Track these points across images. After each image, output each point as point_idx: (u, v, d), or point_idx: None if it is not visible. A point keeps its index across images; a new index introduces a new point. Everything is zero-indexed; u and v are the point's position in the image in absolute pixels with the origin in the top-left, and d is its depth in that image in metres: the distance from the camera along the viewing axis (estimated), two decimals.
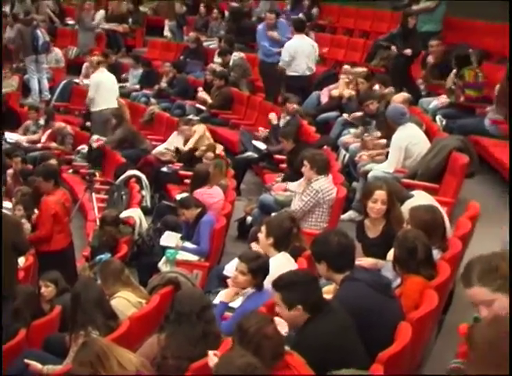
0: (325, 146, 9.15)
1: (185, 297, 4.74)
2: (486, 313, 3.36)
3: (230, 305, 5.42)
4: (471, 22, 12.71)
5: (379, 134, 8.91)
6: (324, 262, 4.60)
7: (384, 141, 8.63)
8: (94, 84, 12.35)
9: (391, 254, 5.13)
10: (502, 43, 12.03)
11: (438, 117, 9.69)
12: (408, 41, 11.25)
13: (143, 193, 10.02)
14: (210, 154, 9.39)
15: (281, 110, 10.68)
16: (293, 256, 5.71)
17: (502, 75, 9.37)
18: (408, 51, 11.02)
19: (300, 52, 11.47)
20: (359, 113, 9.57)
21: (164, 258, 7.34)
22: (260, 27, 12.45)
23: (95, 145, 11.62)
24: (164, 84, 13.89)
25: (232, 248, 8.25)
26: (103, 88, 12.25)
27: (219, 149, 10.03)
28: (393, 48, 11.27)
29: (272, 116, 10.62)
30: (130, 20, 17.58)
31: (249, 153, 10.38)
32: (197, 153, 10.07)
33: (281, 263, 5.59)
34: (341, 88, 10.90)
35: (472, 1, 12.53)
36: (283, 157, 9.53)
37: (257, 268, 5.29)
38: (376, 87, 10.16)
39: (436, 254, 5.12)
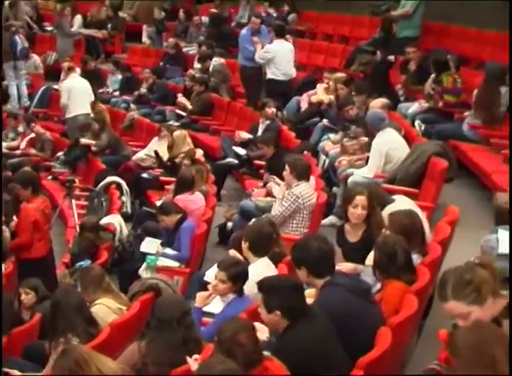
0: (305, 152, 9.17)
1: (166, 303, 4.73)
2: (464, 324, 3.39)
3: (211, 310, 5.41)
4: (448, 27, 12.82)
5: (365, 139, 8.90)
6: (304, 268, 4.61)
7: (365, 139, 8.66)
8: (65, 91, 12.36)
9: (370, 259, 5.15)
10: (479, 48, 12.15)
11: (416, 123, 9.75)
12: (389, 47, 11.31)
13: (123, 199, 9.99)
14: (187, 162, 9.36)
15: (260, 115, 10.70)
16: (273, 262, 5.72)
17: (480, 80, 9.45)
18: (391, 57, 11.08)
19: (280, 57, 11.50)
20: None
21: (144, 265, 7.32)
22: (244, 31, 12.45)
23: (83, 141, 11.54)
24: (143, 90, 13.88)
25: (212, 254, 8.25)
26: (75, 94, 12.25)
27: (199, 154, 10.02)
28: (378, 53, 11.29)
29: (242, 134, 10.58)
30: (109, 26, 17.54)
31: (229, 159, 10.38)
32: (177, 160, 10.06)
33: (261, 269, 5.60)
34: (320, 94, 10.93)
35: (449, 7, 12.64)
36: (264, 162, 9.53)
37: (236, 274, 5.30)
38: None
39: (416, 258, 5.15)
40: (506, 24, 11.52)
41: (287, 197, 7.26)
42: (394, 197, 6.42)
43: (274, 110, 10.47)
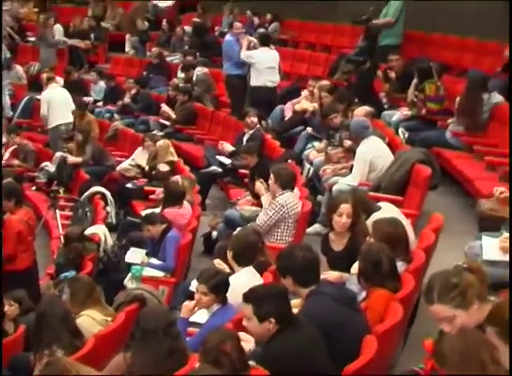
0: (289, 160, 9.18)
1: (151, 314, 4.71)
2: (449, 329, 3.41)
3: (196, 320, 5.40)
4: (430, 35, 12.91)
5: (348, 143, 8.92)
6: (290, 277, 4.61)
7: (348, 142, 8.68)
8: (45, 102, 12.34)
9: (355, 268, 5.16)
10: (460, 56, 12.24)
11: (400, 130, 9.79)
12: (374, 55, 11.35)
13: (108, 209, 9.97)
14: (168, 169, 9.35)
15: (243, 125, 10.71)
16: (258, 271, 5.71)
17: (462, 88, 9.50)
18: (382, 67, 11.07)
19: (264, 65, 11.52)
20: None
21: (129, 275, 7.30)
22: (228, 37, 12.45)
23: (71, 160, 11.49)
24: (127, 99, 13.87)
25: (198, 264, 8.23)
26: (55, 105, 12.23)
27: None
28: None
29: (226, 146, 10.57)
30: (92, 36, 17.53)
31: (213, 168, 10.38)
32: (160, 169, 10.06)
33: (246, 278, 5.60)
34: (304, 102, 10.95)
35: (430, 15, 12.72)
36: (247, 171, 9.53)
37: (217, 285, 5.28)
38: None
39: (400, 266, 5.16)
40: (487, 32, 11.63)
41: (272, 206, 7.27)
42: (381, 204, 6.43)
43: (255, 119, 10.47)
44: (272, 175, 7.39)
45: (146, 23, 17.09)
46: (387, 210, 6.09)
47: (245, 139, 10.42)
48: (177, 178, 9.21)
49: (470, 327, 3.23)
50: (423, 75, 10.06)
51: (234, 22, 12.87)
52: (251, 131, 10.41)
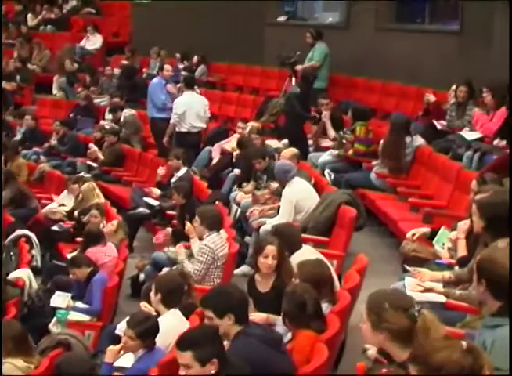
0: (217, 202, 9.21)
1: (73, 361, 4.64)
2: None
3: (122, 365, 5.33)
4: (355, 79, 13.21)
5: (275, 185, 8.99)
6: (231, 315, 4.56)
7: (275, 185, 8.75)
8: None
9: None
10: (384, 100, 12.55)
11: (326, 172, 9.94)
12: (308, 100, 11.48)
13: (33, 252, 9.79)
14: (94, 211, 9.24)
15: (171, 168, 10.72)
16: (185, 313, 5.69)
17: (386, 131, 9.72)
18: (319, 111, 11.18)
19: (189, 109, 11.58)
20: None
21: (54, 319, 7.18)
22: (156, 80, 12.49)
23: None
24: (53, 141, 13.75)
25: (125, 307, 8.13)
26: None
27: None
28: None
29: (154, 191, 10.56)
30: (18, 78, 17.35)
31: (141, 209, 10.33)
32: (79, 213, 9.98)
33: (172, 321, 5.57)
34: (233, 144, 11.02)
35: (354, 61, 13.04)
36: (175, 213, 9.52)
37: (145, 331, 5.21)
38: None
39: (325, 307, 5.21)
40: (411, 76, 11.96)
41: (202, 251, 7.23)
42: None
43: (176, 161, 10.47)
44: (197, 217, 7.39)
45: (75, 64, 17.00)
46: (305, 251, 6.15)
47: (173, 180, 10.42)
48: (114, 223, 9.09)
49: None
50: (359, 116, 10.25)
51: (164, 64, 12.90)
52: (180, 174, 10.42)
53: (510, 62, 8.67)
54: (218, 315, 4.58)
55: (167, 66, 12.57)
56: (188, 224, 7.89)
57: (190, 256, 7.67)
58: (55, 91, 17.07)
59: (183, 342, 4.17)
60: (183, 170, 10.45)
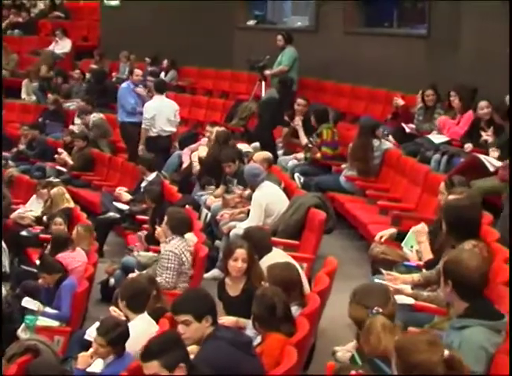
0: (187, 206, 9.20)
1: (41, 367, 4.61)
2: None
3: (93, 370, 5.30)
4: (323, 83, 13.27)
5: (239, 191, 9.03)
6: (210, 318, 4.58)
7: (248, 192, 8.76)
8: None
9: None
10: (353, 103, 12.63)
11: (296, 175, 9.97)
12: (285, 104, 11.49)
13: (1, 258, 9.71)
14: (58, 219, 9.18)
15: (140, 172, 10.70)
16: (154, 318, 5.67)
17: (355, 134, 9.78)
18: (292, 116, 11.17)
19: (159, 113, 11.56)
20: None
21: (23, 325, 7.12)
22: (125, 84, 12.44)
23: None
24: (22, 146, 13.65)
25: (95, 312, 8.09)
26: None
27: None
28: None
29: (123, 194, 10.52)
30: None
31: (111, 214, 10.29)
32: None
33: (141, 326, 5.56)
34: (202, 150, 10.97)
35: (323, 65, 13.10)
36: (146, 217, 9.49)
37: (116, 338, 5.19)
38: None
39: (295, 310, 5.22)
40: (380, 80, 12.04)
41: (167, 258, 7.16)
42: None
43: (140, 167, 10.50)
44: (166, 217, 7.39)
45: (51, 72, 16.81)
46: (275, 254, 6.16)
47: (143, 184, 10.40)
48: None
49: None
50: (320, 118, 10.30)
51: (134, 69, 12.84)
52: (150, 178, 10.40)
53: (510, 69, 8.74)
54: (198, 318, 4.56)
55: (137, 71, 12.54)
56: (158, 228, 7.87)
57: (156, 261, 7.66)
58: (23, 95, 16.93)
59: (147, 353, 4.12)
60: (153, 174, 10.44)
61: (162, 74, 15.20)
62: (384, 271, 5.60)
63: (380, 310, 3.93)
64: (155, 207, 9.11)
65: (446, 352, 3.27)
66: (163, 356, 4.04)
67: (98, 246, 9.15)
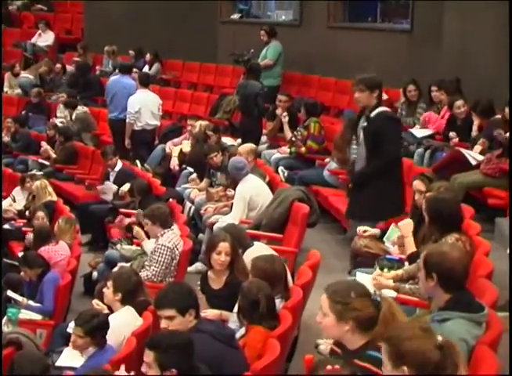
0: (170, 199, 9.19)
1: (24, 360, 4.59)
2: (319, 319, 3.80)
3: (72, 365, 5.29)
4: (308, 77, 13.29)
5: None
6: (193, 311, 4.62)
7: (232, 192, 8.76)
8: None
9: None
10: (337, 97, 12.64)
11: (280, 169, 9.98)
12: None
13: None
14: (40, 213, 9.15)
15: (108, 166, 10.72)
16: (138, 311, 5.67)
17: (339, 128, 9.79)
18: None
19: (144, 107, 11.53)
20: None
21: (5, 318, 7.10)
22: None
23: None
24: (6, 138, 13.58)
25: (78, 305, 8.07)
26: None
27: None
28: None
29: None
30: None
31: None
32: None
33: (125, 318, 5.56)
34: (186, 144, 10.95)
35: (307, 59, 13.11)
36: (130, 211, 9.46)
37: (94, 329, 5.19)
38: None
39: (278, 303, 5.23)
40: (363, 74, 12.05)
41: (160, 252, 7.17)
42: (255, 242, 6.53)
43: (114, 159, 10.55)
44: (146, 219, 7.36)
45: (50, 75, 16.59)
46: (258, 248, 6.17)
47: (111, 179, 10.42)
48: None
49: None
50: (312, 111, 10.31)
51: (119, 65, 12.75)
52: (117, 168, 10.47)
53: (510, 68, 8.78)
54: (181, 312, 4.59)
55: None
56: (136, 228, 7.87)
57: (142, 254, 7.66)
58: (6, 88, 16.83)
59: (151, 341, 4.19)
60: (119, 165, 10.51)
61: (146, 68, 15.13)
62: (370, 275, 5.59)
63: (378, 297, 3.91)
64: (140, 199, 9.08)
65: (439, 339, 3.25)
66: (161, 353, 4.08)
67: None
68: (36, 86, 15.70)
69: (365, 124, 7.08)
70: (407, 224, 5.95)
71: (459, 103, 9.05)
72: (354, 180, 7.43)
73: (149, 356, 4.10)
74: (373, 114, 7.02)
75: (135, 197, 9.40)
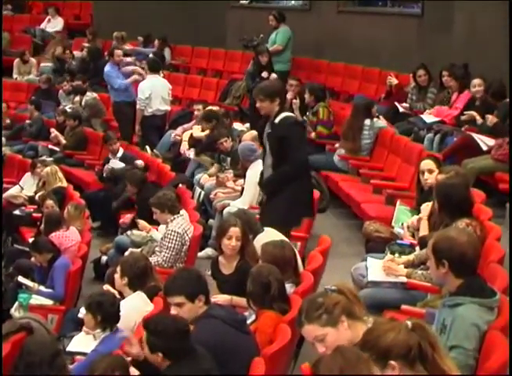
0: (180, 185, 9.19)
1: (35, 345, 4.60)
2: (323, 349, 3.49)
3: (83, 350, 5.31)
4: (317, 61, 13.24)
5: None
6: (203, 297, 4.62)
7: (240, 181, 8.75)
8: None
9: None
10: (347, 82, 12.59)
11: None
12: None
13: None
14: (49, 202, 9.12)
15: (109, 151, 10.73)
16: (149, 296, 5.69)
17: (348, 113, 9.77)
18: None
19: (154, 92, 11.50)
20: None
21: (16, 304, 7.13)
22: (108, 67, 12.21)
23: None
24: (27, 121, 13.59)
25: (88, 290, 8.06)
26: None
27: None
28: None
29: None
30: None
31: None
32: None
33: (136, 303, 5.57)
34: (196, 129, 10.91)
35: (317, 44, 13.05)
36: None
37: (104, 310, 5.23)
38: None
39: (289, 288, 5.23)
40: (373, 58, 12.02)
41: (170, 238, 7.17)
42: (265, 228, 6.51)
43: (117, 145, 10.62)
44: (154, 209, 7.35)
45: (67, 52, 16.50)
46: (269, 233, 6.15)
47: (112, 162, 10.44)
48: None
49: (346, 345, 3.29)
50: (317, 95, 10.26)
51: (114, 49, 12.60)
52: (119, 155, 10.49)
53: (510, 57, 8.70)
54: (191, 299, 4.58)
55: (117, 52, 12.30)
56: (140, 221, 7.86)
57: (152, 240, 7.66)
58: (15, 75, 16.82)
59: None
60: (121, 151, 10.55)
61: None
62: (381, 261, 5.56)
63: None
64: (138, 191, 9.02)
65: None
66: (152, 336, 4.14)
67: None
68: (56, 71, 15.68)
69: (270, 130, 7.00)
70: (426, 206, 5.91)
71: (477, 81, 8.94)
72: (265, 190, 7.19)
73: (144, 335, 4.20)
74: (276, 120, 6.92)
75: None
